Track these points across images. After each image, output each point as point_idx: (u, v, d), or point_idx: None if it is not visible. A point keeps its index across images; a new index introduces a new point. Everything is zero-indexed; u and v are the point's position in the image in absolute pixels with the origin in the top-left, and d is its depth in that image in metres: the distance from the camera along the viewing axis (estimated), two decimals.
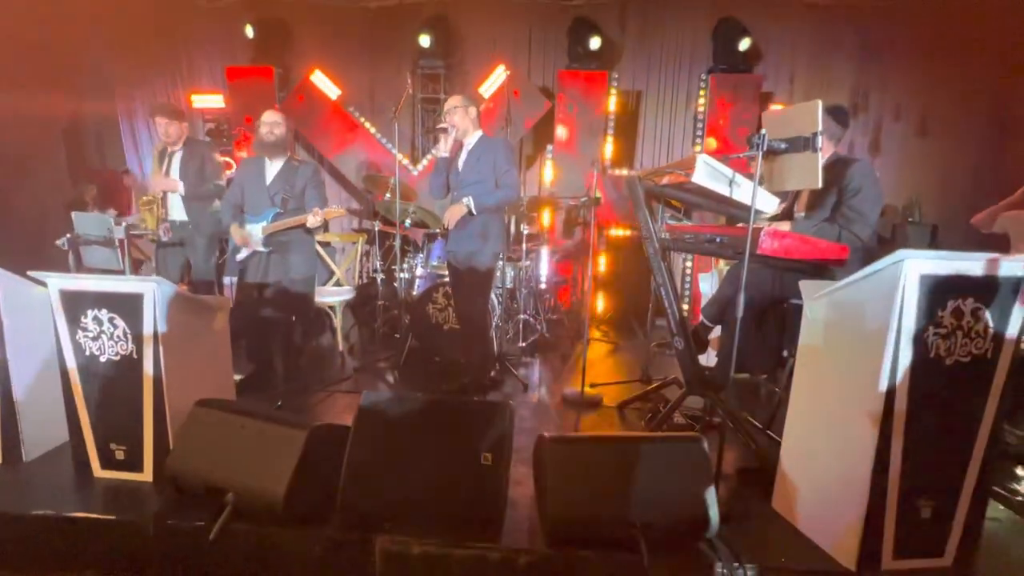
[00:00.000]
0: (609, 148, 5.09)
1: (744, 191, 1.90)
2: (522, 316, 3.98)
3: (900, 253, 1.46)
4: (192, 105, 5.46)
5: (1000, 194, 4.94)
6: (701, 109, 5.05)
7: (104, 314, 1.91)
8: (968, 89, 5.09)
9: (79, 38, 5.47)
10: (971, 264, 1.50)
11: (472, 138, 2.81)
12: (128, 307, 1.90)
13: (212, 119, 5.50)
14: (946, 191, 5.25)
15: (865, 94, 5.36)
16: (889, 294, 1.51)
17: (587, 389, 2.93)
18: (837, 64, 5.26)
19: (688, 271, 5.03)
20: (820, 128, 1.72)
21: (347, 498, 1.74)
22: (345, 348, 3.76)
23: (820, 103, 1.73)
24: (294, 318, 3.10)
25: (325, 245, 4.10)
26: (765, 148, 1.77)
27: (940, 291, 1.50)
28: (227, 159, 5.58)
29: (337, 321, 3.73)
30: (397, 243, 3.32)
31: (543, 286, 4.46)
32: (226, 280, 4.44)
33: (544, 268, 4.45)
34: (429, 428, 1.83)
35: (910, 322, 1.50)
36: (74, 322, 1.93)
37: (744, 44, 4.86)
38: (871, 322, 1.57)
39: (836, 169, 2.22)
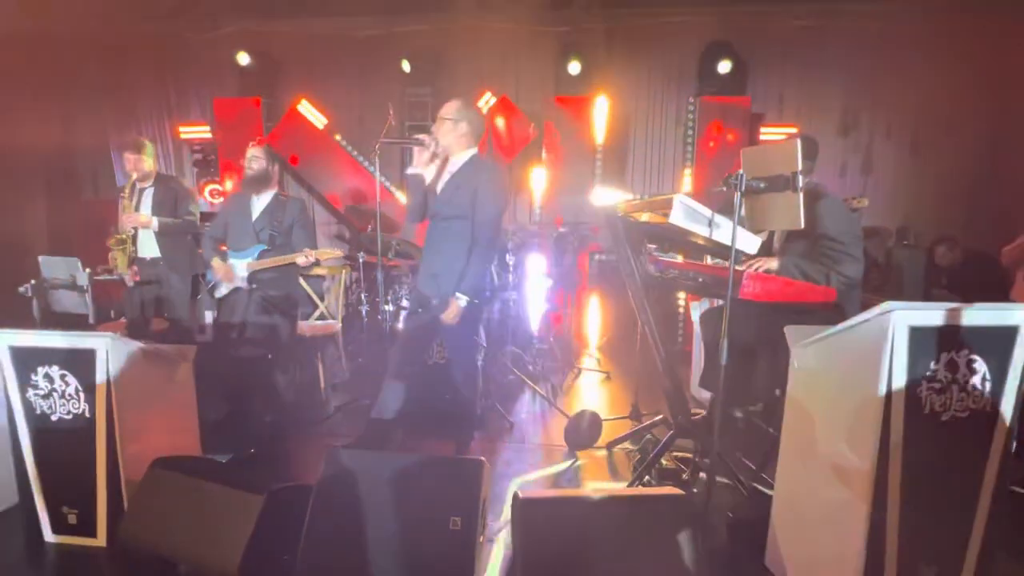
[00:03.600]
0: (599, 174, 5.05)
1: (724, 232, 1.82)
2: (510, 348, 3.87)
3: (887, 304, 1.37)
4: (180, 136, 5.45)
5: (994, 212, 4.88)
6: (690, 132, 5.01)
7: (55, 371, 1.82)
8: (958, 107, 5.05)
9: (70, 71, 5.49)
10: (963, 314, 1.41)
11: (459, 158, 2.32)
12: (80, 363, 1.81)
13: (200, 150, 5.48)
14: (940, 210, 5.17)
15: (855, 113, 5.32)
16: (877, 347, 1.41)
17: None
18: (827, 84, 5.23)
19: (681, 299, 4.93)
20: (800, 167, 1.64)
21: (306, 567, 1.63)
22: (328, 385, 3.65)
23: (799, 142, 1.65)
24: (272, 356, 3.00)
25: (309, 277, 4.02)
26: (743, 188, 1.69)
27: (932, 343, 1.41)
28: (216, 186, 5.56)
29: (320, 357, 3.62)
30: (380, 275, 3.24)
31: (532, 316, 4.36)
32: (207, 317, 4.36)
33: (533, 297, 4.36)
34: (396, 488, 1.72)
35: (901, 377, 1.40)
36: (24, 379, 1.84)
37: (725, 67, 4.83)
38: (859, 376, 1.48)
39: (805, 202, 2.12)
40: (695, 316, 3.74)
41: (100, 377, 1.80)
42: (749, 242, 1.83)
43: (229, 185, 5.31)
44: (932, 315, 1.39)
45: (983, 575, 1.55)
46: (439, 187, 2.35)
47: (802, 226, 1.72)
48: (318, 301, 4.00)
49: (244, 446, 2.70)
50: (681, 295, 4.88)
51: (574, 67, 4.94)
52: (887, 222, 4.86)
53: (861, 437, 1.46)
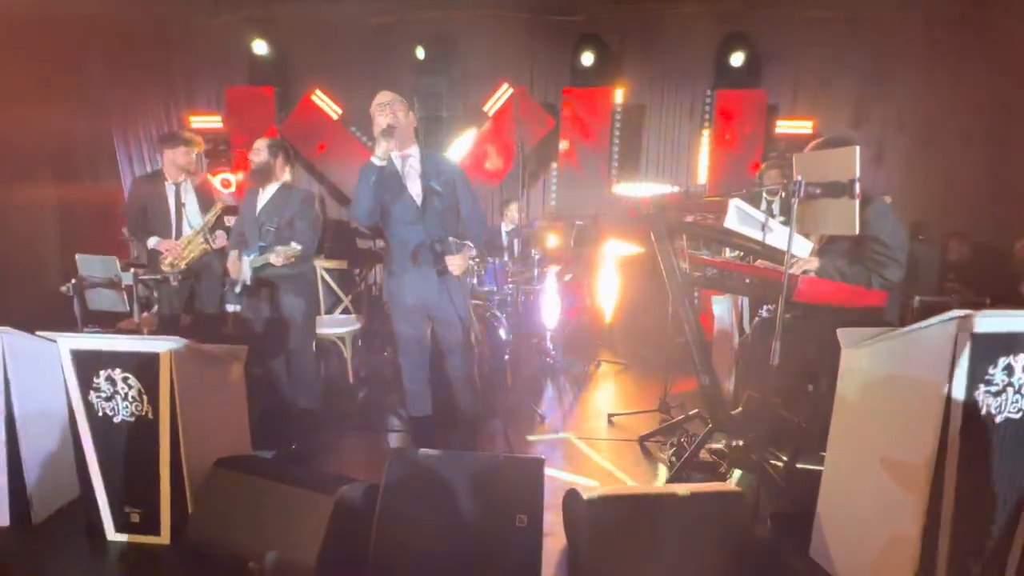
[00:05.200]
0: (615, 165, 5.06)
1: (777, 236, 1.86)
2: (533, 340, 3.92)
3: (952, 312, 1.42)
4: (190, 126, 5.37)
5: (1005, 207, 4.96)
6: (706, 124, 5.03)
7: (118, 374, 1.84)
8: (969, 101, 5.09)
9: (74, 57, 5.35)
10: (1022, 320, 1.47)
11: (412, 151, 2.25)
12: (144, 367, 1.82)
13: (210, 140, 5.40)
14: (953, 202, 5.23)
15: (868, 105, 5.35)
16: (938, 352, 1.46)
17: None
18: (840, 76, 5.25)
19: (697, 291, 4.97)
20: (858, 174, 1.68)
21: (378, 566, 1.68)
22: (356, 378, 3.68)
23: (858, 149, 1.69)
24: (286, 353, 2.96)
25: (332, 270, 4.00)
26: (801, 194, 1.73)
27: (991, 348, 1.47)
28: (227, 176, 5.49)
29: (346, 352, 3.65)
30: None
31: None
32: (228, 307, 4.33)
33: (554, 290, 4.39)
34: (460, 487, 1.77)
35: (961, 381, 1.46)
36: (86, 382, 1.85)
37: (738, 59, 4.84)
38: (917, 379, 1.53)
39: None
40: (716, 310, 3.80)
41: (164, 380, 1.82)
42: (803, 247, 1.88)
43: (241, 175, 5.25)
44: (994, 321, 1.45)
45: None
46: (411, 188, 2.24)
47: (857, 232, 1.76)
48: (341, 295, 4.00)
49: (284, 442, 2.74)
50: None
51: (587, 58, 4.91)
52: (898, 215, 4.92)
53: (919, 436, 1.52)
